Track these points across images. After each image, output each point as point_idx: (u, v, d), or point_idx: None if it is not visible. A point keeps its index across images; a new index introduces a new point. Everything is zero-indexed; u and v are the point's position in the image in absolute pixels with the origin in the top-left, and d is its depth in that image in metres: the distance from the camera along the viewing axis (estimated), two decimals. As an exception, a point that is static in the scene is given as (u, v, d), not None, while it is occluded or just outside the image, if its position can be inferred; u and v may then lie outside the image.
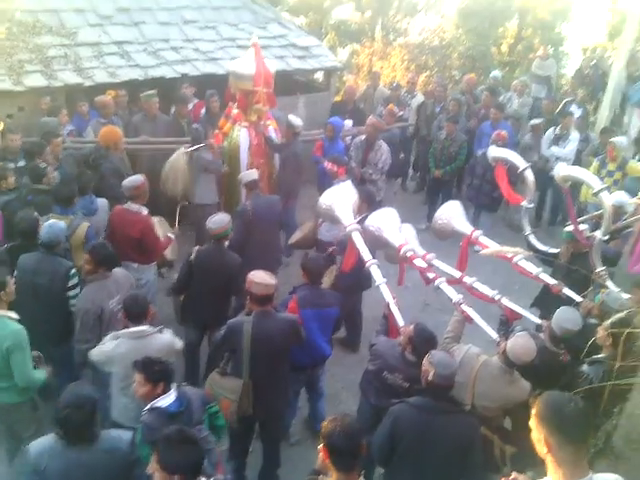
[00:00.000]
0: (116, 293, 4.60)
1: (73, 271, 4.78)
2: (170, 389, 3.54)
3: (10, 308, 4.12)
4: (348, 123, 8.62)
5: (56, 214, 5.24)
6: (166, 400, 3.49)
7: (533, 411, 2.43)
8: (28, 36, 8.13)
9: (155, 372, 3.49)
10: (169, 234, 6.01)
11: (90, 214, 5.66)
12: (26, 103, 7.51)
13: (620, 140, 8.10)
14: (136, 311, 4.09)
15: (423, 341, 3.99)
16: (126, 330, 4.08)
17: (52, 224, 4.79)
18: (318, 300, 4.72)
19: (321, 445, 2.90)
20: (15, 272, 4.60)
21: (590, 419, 2.56)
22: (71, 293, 4.76)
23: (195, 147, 6.83)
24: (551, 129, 8.81)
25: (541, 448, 2.37)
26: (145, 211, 5.65)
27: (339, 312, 4.89)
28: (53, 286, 4.68)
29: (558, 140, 8.68)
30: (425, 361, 3.60)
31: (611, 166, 7.86)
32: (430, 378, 3.51)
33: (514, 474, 2.57)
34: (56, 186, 5.65)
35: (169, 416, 3.40)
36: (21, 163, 6.08)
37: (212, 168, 6.94)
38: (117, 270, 4.79)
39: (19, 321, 4.07)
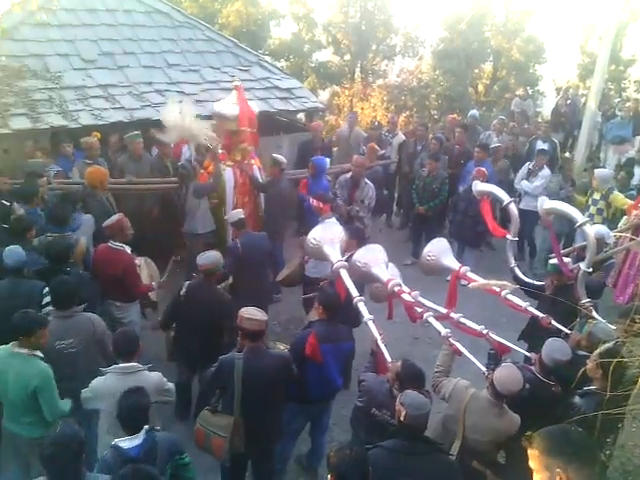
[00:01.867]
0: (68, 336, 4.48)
1: (46, 289, 4.81)
2: (140, 430, 3.46)
3: None
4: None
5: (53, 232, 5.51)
6: (131, 442, 3.41)
7: (534, 451, 2.42)
8: (13, 80, 8.19)
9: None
10: (153, 283, 5.96)
11: (73, 230, 5.75)
12: (11, 146, 7.52)
13: (601, 171, 8.34)
14: (126, 347, 4.04)
15: (411, 378, 3.98)
16: (115, 366, 4.03)
17: (11, 249, 4.89)
18: (334, 335, 4.72)
19: (329, 476, 2.89)
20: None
21: (593, 439, 2.56)
22: (46, 310, 4.77)
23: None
24: (526, 164, 9.07)
25: None
26: (128, 250, 5.66)
27: (353, 346, 4.91)
28: (31, 307, 4.60)
29: (529, 175, 8.95)
30: (397, 402, 3.58)
31: (596, 195, 8.09)
32: (402, 419, 3.50)
33: None
34: (51, 207, 5.86)
35: (127, 460, 3.30)
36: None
37: (205, 190, 7.05)
38: (82, 314, 4.67)
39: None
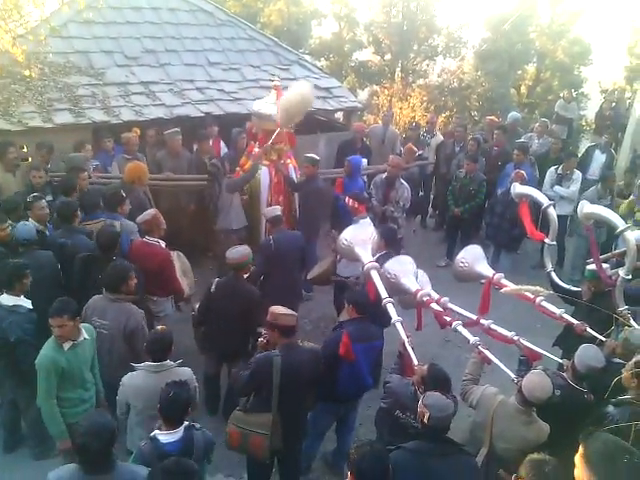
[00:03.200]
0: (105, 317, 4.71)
1: None
2: (180, 425, 3.49)
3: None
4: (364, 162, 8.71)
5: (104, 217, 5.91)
6: (170, 437, 3.45)
7: (580, 449, 2.37)
8: (59, 76, 8.43)
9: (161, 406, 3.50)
10: (186, 277, 6.03)
11: None
12: (54, 139, 7.72)
13: None
14: (160, 349, 4.06)
15: (436, 382, 3.93)
16: (146, 363, 4.07)
17: (23, 224, 5.35)
18: (366, 334, 4.73)
19: (349, 473, 2.89)
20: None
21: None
22: None
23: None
24: (552, 168, 8.85)
25: None
26: (163, 244, 5.74)
27: (383, 344, 4.91)
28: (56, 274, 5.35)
29: (561, 180, 8.71)
30: (420, 403, 3.56)
31: None
32: (425, 421, 3.47)
33: None
34: (81, 196, 6.15)
35: (163, 454, 3.33)
36: (48, 198, 6.21)
37: (238, 184, 7.10)
38: (125, 304, 4.79)
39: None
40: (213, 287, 5.38)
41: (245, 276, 5.54)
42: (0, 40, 7.53)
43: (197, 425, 3.67)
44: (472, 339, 4.50)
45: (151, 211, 5.87)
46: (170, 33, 9.91)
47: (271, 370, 4.17)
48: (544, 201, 5.59)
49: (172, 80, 9.19)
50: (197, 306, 5.61)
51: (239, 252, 5.40)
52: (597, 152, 9.87)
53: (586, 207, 5.37)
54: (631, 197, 7.99)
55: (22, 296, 4.67)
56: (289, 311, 4.35)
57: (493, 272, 5.20)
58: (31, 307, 4.68)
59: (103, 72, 8.82)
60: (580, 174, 8.77)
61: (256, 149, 7.49)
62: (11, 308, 4.59)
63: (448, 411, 3.50)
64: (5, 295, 4.63)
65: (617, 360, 4.39)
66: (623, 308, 5.00)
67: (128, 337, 4.66)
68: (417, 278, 4.99)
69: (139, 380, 4.02)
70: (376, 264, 4.99)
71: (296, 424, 4.38)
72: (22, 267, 4.71)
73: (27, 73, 8.02)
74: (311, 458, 5.13)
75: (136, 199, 6.45)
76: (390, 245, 5.95)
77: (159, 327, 4.33)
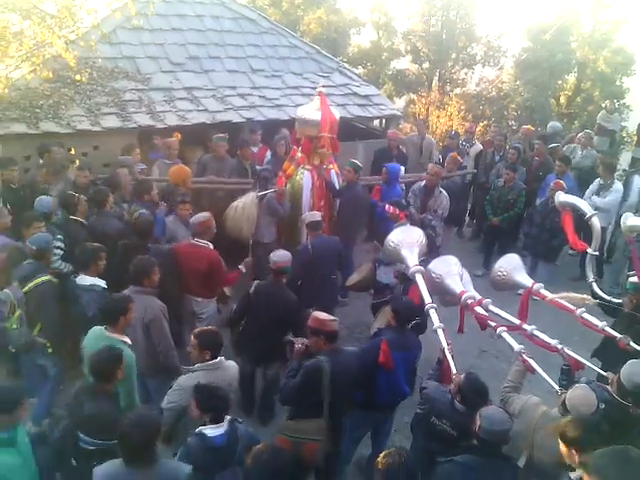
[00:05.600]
0: None
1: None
2: (222, 420, 3.56)
3: None
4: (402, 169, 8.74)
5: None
6: (215, 431, 3.51)
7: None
8: (106, 81, 8.69)
9: (205, 401, 3.57)
10: (240, 266, 6.13)
11: None
12: (101, 142, 7.96)
13: None
14: (215, 344, 4.17)
15: (473, 392, 3.95)
16: (203, 363, 4.14)
17: (42, 199, 6.00)
18: (405, 343, 4.77)
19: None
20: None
21: None
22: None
23: (266, 192, 7.13)
24: (598, 179, 8.71)
25: None
26: (211, 246, 5.84)
27: (421, 353, 4.95)
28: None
29: (600, 190, 8.58)
30: (477, 413, 3.58)
31: None
32: (476, 429, 3.50)
33: None
34: (92, 191, 6.45)
35: (211, 448, 3.41)
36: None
37: (279, 214, 7.24)
38: (147, 297, 4.90)
39: None
40: (252, 290, 5.44)
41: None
42: (54, 46, 7.78)
43: (239, 419, 3.75)
44: (517, 347, 4.49)
45: (205, 214, 5.96)
46: (213, 40, 10.13)
47: (322, 376, 4.21)
48: (588, 211, 5.56)
49: (215, 86, 9.38)
50: (235, 307, 5.69)
51: (283, 256, 5.46)
52: (637, 177, 9.50)
53: (630, 219, 5.33)
54: None
55: (97, 277, 5.14)
56: (331, 317, 4.40)
57: (532, 281, 5.19)
58: (105, 286, 5.13)
59: (149, 77, 9.07)
60: (620, 186, 8.61)
61: (299, 154, 7.61)
62: (88, 287, 5.06)
63: (503, 426, 3.49)
64: (83, 275, 5.13)
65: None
66: (667, 322, 4.95)
67: (146, 327, 4.78)
68: (462, 279, 5.01)
69: (201, 380, 3.98)
70: (422, 268, 5.02)
71: (340, 428, 4.44)
72: (98, 250, 5.19)
73: (77, 77, 8.28)
74: (346, 462, 5.15)
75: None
76: (430, 252, 5.98)
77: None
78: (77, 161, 7.48)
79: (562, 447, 3.26)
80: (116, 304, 4.41)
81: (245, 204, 7.00)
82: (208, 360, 4.14)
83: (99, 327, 4.42)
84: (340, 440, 4.49)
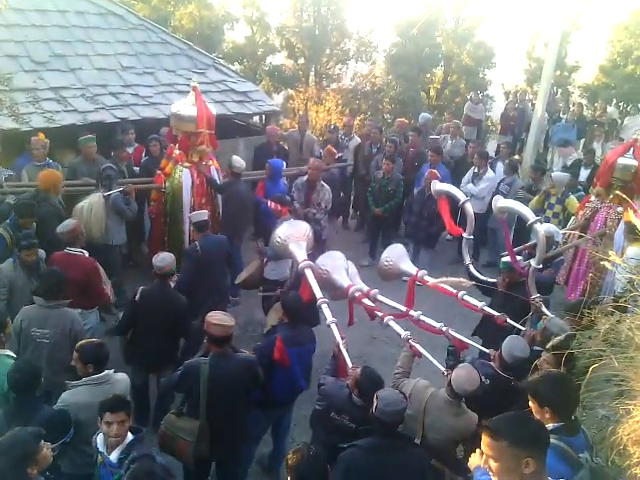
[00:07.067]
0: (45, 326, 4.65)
1: None
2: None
3: None
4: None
5: None
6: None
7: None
8: (-41, 82, 7.98)
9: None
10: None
11: None
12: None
13: (559, 174, 8.61)
14: (97, 357, 4.00)
15: (370, 385, 4.02)
16: (87, 378, 3.96)
17: None
18: (299, 338, 4.77)
19: (288, 478, 2.92)
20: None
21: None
22: None
23: (111, 192, 6.84)
24: (472, 168, 9.24)
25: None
26: (86, 254, 5.60)
27: (315, 347, 4.96)
28: None
29: (474, 178, 9.11)
30: (374, 395, 3.68)
31: (552, 199, 8.32)
32: (373, 410, 3.59)
33: None
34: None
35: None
36: None
37: (127, 215, 7.03)
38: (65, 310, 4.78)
39: None
40: (138, 296, 5.26)
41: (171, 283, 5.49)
42: None
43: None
44: (403, 333, 4.65)
45: (72, 221, 5.70)
46: (79, 37, 9.55)
47: (198, 377, 4.16)
48: (461, 197, 5.87)
49: (84, 85, 8.88)
50: (121, 315, 5.49)
51: (166, 259, 5.33)
52: (499, 164, 9.80)
53: (500, 201, 5.69)
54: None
55: None
56: (225, 320, 4.27)
57: (417, 269, 5.42)
58: None
59: (9, 77, 8.39)
60: (492, 174, 9.14)
61: (176, 152, 7.40)
62: None
63: (397, 407, 3.59)
64: None
65: (536, 348, 4.69)
66: (535, 296, 5.34)
67: (73, 342, 4.52)
68: (348, 273, 5.11)
69: (82, 395, 3.89)
70: (311, 263, 5.06)
71: (228, 431, 4.34)
72: None
73: None
74: (248, 462, 5.11)
75: (53, 208, 6.22)
76: (316, 246, 6.05)
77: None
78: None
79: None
80: None
81: (91, 204, 6.67)
82: (92, 374, 3.96)
83: None
84: (230, 444, 4.39)
